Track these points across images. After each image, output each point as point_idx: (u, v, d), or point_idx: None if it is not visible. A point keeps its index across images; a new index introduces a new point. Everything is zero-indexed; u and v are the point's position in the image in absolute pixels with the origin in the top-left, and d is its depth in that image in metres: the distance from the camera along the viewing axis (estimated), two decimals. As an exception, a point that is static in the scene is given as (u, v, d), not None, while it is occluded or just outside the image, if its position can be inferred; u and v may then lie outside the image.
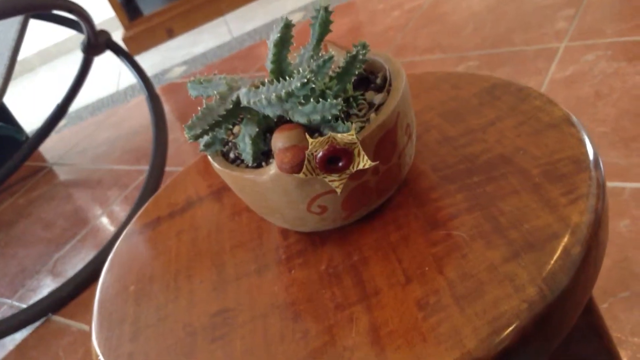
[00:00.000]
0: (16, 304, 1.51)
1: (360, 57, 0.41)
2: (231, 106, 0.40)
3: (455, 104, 0.52)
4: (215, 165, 0.42)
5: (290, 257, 0.44)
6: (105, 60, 2.86)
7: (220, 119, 0.40)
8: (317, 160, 0.37)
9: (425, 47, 1.85)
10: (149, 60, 2.71)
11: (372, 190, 0.42)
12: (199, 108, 0.40)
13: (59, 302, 1.39)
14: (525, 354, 0.33)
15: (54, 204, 1.89)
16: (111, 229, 1.65)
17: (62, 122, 2.43)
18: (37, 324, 1.38)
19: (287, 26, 0.40)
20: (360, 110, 0.43)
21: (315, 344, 0.36)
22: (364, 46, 0.43)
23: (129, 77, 2.60)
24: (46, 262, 1.62)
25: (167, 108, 2.15)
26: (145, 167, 1.85)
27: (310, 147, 0.36)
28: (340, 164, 0.37)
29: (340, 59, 0.48)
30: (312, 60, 0.42)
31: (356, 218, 0.43)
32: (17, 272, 1.64)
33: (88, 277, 1.43)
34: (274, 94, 0.37)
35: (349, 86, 0.42)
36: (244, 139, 0.41)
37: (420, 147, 0.48)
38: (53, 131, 1.98)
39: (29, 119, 2.64)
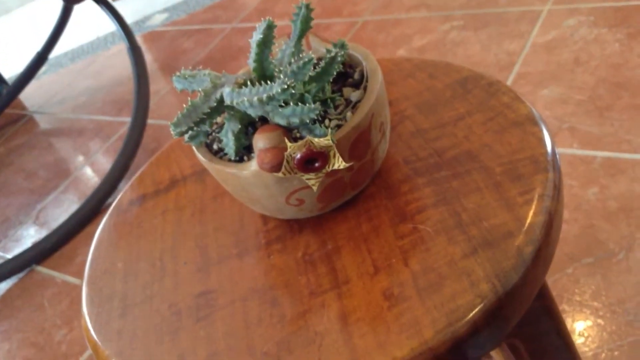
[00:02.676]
0: (0, 254, 1.54)
1: (339, 58, 0.43)
2: (215, 104, 0.42)
3: (429, 95, 0.54)
4: (200, 157, 0.45)
5: (270, 243, 0.47)
6: (85, 6, 2.79)
7: (205, 116, 0.42)
8: (295, 162, 0.39)
9: (411, 5, 1.85)
10: (129, 7, 2.66)
11: (347, 185, 0.45)
12: (184, 105, 0.42)
13: (42, 253, 1.42)
14: (476, 343, 0.37)
15: (35, 153, 1.89)
16: (94, 180, 1.67)
17: (41, 69, 2.39)
18: (21, 274, 1.41)
19: (270, 27, 0.42)
20: (337, 108, 0.45)
21: (290, 328, 0.40)
22: (343, 46, 0.45)
23: (109, 24, 2.55)
24: (29, 213, 1.65)
25: (148, 58, 2.13)
26: (127, 119, 1.86)
27: (289, 149, 0.39)
28: (316, 164, 0.40)
29: (320, 50, 0.50)
30: (292, 59, 0.44)
31: (331, 208, 0.46)
32: None
33: (71, 229, 1.46)
34: (255, 97, 0.39)
35: (328, 87, 0.44)
36: (227, 134, 0.43)
37: (395, 138, 0.51)
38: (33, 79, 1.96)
39: (6, 63, 2.59)
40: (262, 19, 0.42)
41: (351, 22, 1.89)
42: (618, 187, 1.13)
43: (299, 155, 0.39)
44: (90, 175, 1.70)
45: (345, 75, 0.48)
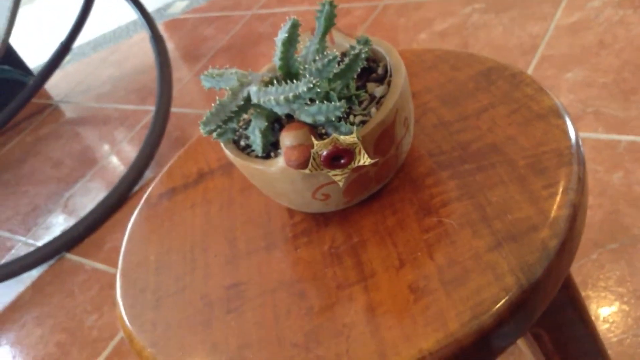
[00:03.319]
0: (30, 241, 1.58)
1: (363, 55, 0.44)
2: (242, 102, 0.43)
3: (452, 87, 0.54)
4: (228, 153, 0.46)
5: (296, 236, 0.48)
6: (106, -7, 2.81)
7: (232, 114, 0.43)
8: (321, 159, 0.40)
9: (431, -13, 1.83)
10: (150, -6, 2.67)
11: (372, 179, 0.45)
12: (212, 104, 0.43)
13: (72, 241, 1.45)
14: (501, 335, 0.38)
15: (62, 142, 1.93)
16: (120, 168, 1.70)
17: (65, 59, 2.42)
18: (52, 261, 1.45)
19: (294, 26, 0.43)
20: (361, 103, 0.46)
21: (318, 320, 0.41)
22: (366, 42, 0.46)
23: (131, 13, 2.57)
24: (57, 201, 1.68)
25: (170, 46, 2.15)
26: (151, 107, 1.88)
27: (315, 147, 0.40)
28: (342, 160, 0.41)
29: (344, 45, 0.51)
30: (317, 57, 0.44)
31: (356, 202, 0.47)
32: (29, 211, 1.70)
33: (99, 217, 1.49)
34: (282, 96, 0.40)
35: (352, 83, 0.45)
36: (254, 131, 0.44)
37: (418, 131, 0.52)
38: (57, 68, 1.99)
39: (30, 53, 2.63)
40: (286, 18, 0.42)
41: (371, 6, 1.88)
42: (644, 171, 1.12)
43: (325, 153, 0.40)
44: (116, 164, 1.73)
45: (369, 70, 0.49)
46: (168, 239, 0.53)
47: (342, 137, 0.40)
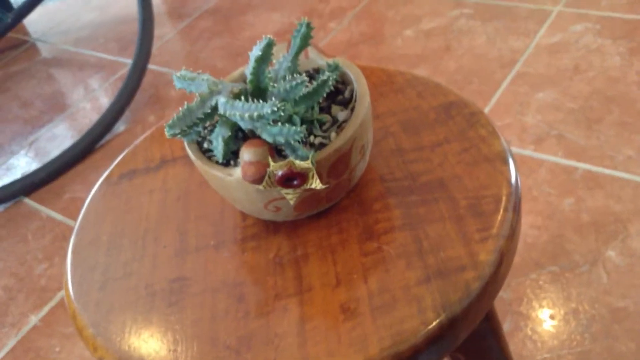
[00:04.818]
0: (-11, 180, 1.57)
1: (330, 82, 0.46)
2: (209, 111, 0.45)
3: (415, 114, 0.57)
4: (190, 154, 0.48)
5: (245, 239, 0.50)
6: None
7: (198, 121, 0.45)
8: (276, 178, 0.43)
9: (423, -14, 1.84)
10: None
11: (322, 198, 0.48)
12: (179, 108, 0.45)
13: (31, 186, 1.45)
14: (416, 363, 0.42)
15: (34, 82, 1.90)
16: (89, 118, 1.69)
17: (47, -5, 2.37)
18: (8, 204, 1.45)
19: (269, 45, 0.45)
20: (322, 125, 0.48)
21: (253, 325, 0.44)
22: (336, 68, 0.48)
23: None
24: (21, 143, 1.67)
25: (155, 0, 2.12)
26: (128, 60, 1.86)
27: (271, 167, 0.42)
28: (295, 182, 0.43)
29: (317, 61, 0.53)
30: (287, 76, 0.46)
31: (306, 215, 0.50)
32: (-8, 148, 1.68)
33: (62, 165, 1.49)
34: (247, 114, 0.42)
35: (316, 107, 0.47)
36: (218, 138, 0.46)
37: (376, 154, 0.54)
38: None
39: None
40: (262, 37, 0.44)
41: (363, -7, 1.88)
42: (594, 201, 1.17)
43: (280, 173, 0.42)
44: (86, 113, 1.72)
45: (336, 92, 0.51)
46: (122, 222, 0.55)
47: (297, 162, 0.42)
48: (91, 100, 1.76)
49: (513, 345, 0.98)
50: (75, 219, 1.38)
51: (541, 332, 0.99)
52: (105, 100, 1.73)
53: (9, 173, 1.57)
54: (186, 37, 1.91)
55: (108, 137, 1.58)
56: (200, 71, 0.48)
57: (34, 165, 1.57)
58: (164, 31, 1.95)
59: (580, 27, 1.57)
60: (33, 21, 2.21)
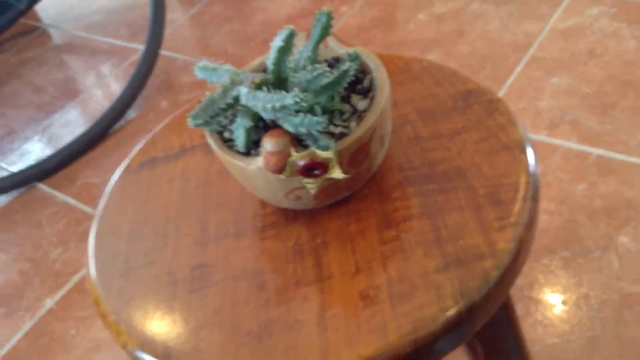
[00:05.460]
0: (3, 165, 1.58)
1: (351, 72, 0.46)
2: (231, 101, 0.45)
3: (432, 102, 0.57)
4: (212, 143, 0.48)
5: (265, 227, 0.51)
6: None
7: (221, 111, 0.45)
8: (297, 167, 0.43)
9: (436, -31, 1.82)
10: None
11: (342, 187, 0.49)
12: (201, 99, 0.45)
13: (45, 171, 1.46)
14: (435, 349, 0.42)
15: (46, 68, 1.91)
16: (102, 104, 1.69)
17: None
18: (22, 189, 1.46)
19: (291, 35, 0.45)
20: (342, 114, 0.48)
21: (273, 312, 0.45)
22: (356, 58, 0.48)
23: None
24: (35, 129, 1.68)
25: (167, -15, 2.11)
26: (140, 46, 1.86)
27: (293, 157, 0.43)
28: (316, 172, 0.44)
29: (337, 51, 0.53)
30: (308, 66, 0.47)
31: (326, 204, 0.50)
32: (4, 134, 1.69)
33: (75, 151, 1.50)
34: (269, 104, 0.43)
35: (337, 97, 0.48)
36: (239, 128, 0.47)
37: (395, 142, 0.55)
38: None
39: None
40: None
41: (375, -23, 1.87)
42: (607, 186, 1.17)
43: (301, 163, 0.43)
44: (99, 99, 1.73)
45: (355, 81, 0.51)
46: (143, 211, 0.56)
47: (319, 152, 0.43)
48: (103, 86, 1.77)
49: (524, 330, 0.99)
50: (88, 204, 1.39)
51: (552, 317, 1.00)
52: (117, 87, 1.74)
53: (23, 158, 1.59)
54: (197, 22, 1.90)
55: (120, 123, 1.59)
56: (221, 62, 0.48)
57: (47, 151, 1.58)
58: (175, 16, 1.95)
59: (595, 11, 1.55)
60: (45, 7, 2.21)
